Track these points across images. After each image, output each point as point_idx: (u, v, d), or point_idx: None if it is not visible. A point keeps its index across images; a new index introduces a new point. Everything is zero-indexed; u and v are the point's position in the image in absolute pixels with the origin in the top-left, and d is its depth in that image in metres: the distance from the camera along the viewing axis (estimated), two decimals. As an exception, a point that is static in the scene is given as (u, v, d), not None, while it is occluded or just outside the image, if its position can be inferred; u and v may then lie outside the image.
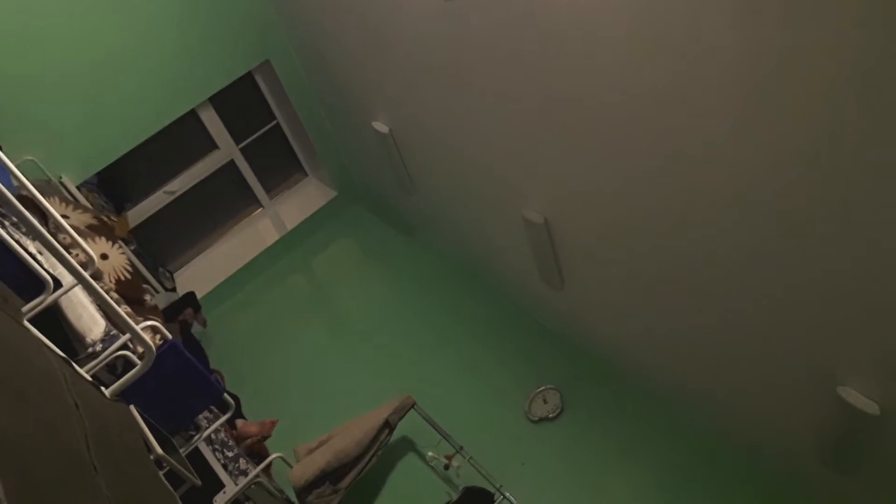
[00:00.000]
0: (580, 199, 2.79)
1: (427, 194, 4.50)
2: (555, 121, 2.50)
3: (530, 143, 2.86)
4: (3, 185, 1.73)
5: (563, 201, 2.95)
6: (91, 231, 3.54)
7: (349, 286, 5.31)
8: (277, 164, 5.84)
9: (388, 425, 3.60)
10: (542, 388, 3.89)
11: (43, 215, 2.99)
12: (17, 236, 2.32)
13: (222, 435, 3.05)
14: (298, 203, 5.83)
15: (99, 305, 2.45)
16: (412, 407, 3.73)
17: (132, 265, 3.77)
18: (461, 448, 3.73)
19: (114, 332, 2.42)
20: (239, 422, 3.57)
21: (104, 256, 3.44)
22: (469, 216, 4.14)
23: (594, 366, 4.01)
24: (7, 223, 2.40)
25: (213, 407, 3.11)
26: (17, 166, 2.33)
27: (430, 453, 3.74)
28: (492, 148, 3.24)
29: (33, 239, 2.32)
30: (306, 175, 6.04)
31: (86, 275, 1.66)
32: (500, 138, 3.07)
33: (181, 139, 5.13)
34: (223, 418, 2.79)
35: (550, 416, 3.81)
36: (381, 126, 4.20)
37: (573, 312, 3.79)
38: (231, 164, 5.42)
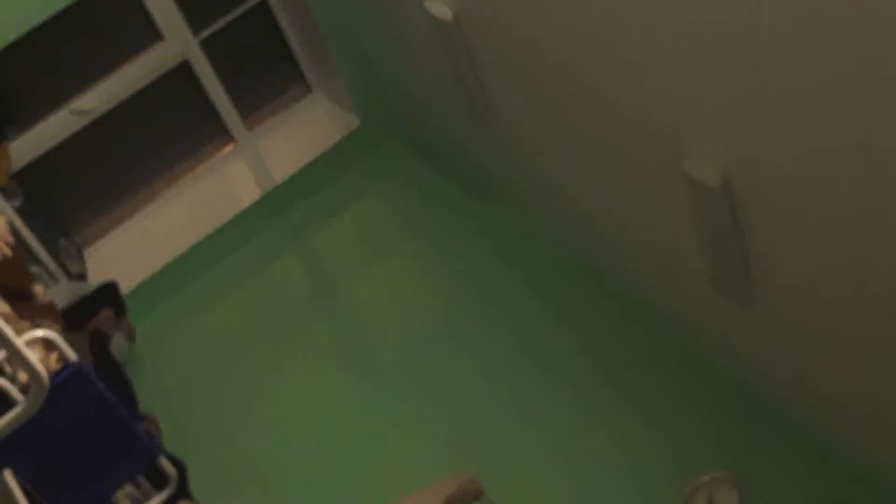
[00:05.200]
0: (800, 146, 2.61)
1: (512, 127, 4.26)
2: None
3: (708, 41, 2.65)
4: None
5: (766, 149, 2.77)
6: None
7: (374, 281, 4.91)
8: (262, 69, 5.52)
9: (436, 527, 3.69)
10: (709, 476, 3.67)
11: None
12: None
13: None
14: (295, 137, 5.57)
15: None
16: (476, 498, 3.54)
17: (15, 234, 3.74)
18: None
19: None
20: None
21: None
22: (583, 167, 3.90)
23: (801, 443, 3.72)
24: None
25: (140, 478, 3.08)
26: None
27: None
28: (630, 47, 3.03)
29: None
30: (310, 91, 5.75)
31: None
32: (647, 30, 2.88)
33: (103, 25, 4.84)
34: (157, 498, 2.75)
35: (721, 527, 3.62)
36: (439, 7, 3.98)
37: (770, 349, 3.58)
38: (184, 69, 5.13)
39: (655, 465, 3.89)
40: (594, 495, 3.90)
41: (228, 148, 5.62)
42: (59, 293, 4.56)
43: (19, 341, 1.79)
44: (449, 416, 4.27)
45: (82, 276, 5.09)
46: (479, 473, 3.55)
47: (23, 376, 2.36)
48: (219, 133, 5.57)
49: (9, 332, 1.78)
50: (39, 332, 2.44)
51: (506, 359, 4.39)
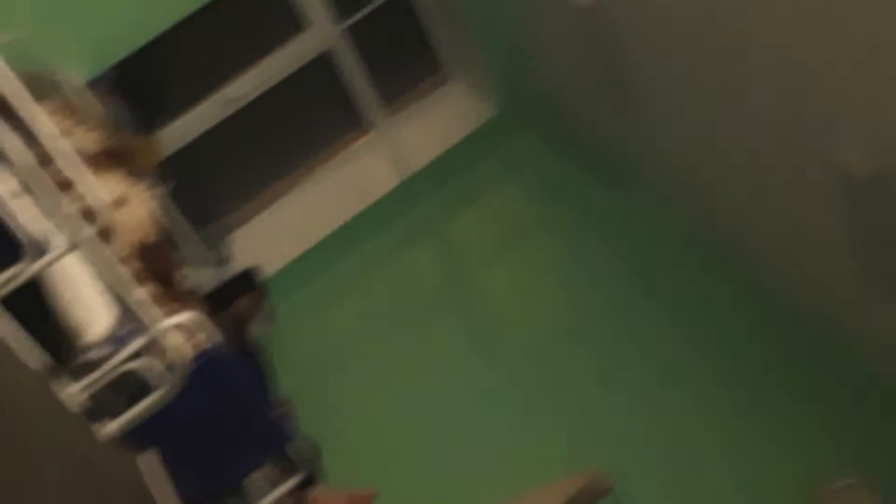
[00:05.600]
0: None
1: (655, 117, 4.36)
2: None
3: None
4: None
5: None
6: (102, 160, 3.57)
7: (507, 273, 5.09)
8: (400, 58, 5.59)
9: (565, 521, 3.55)
10: (847, 480, 3.80)
11: (28, 133, 2.79)
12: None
13: (286, 510, 3.04)
14: (432, 125, 5.65)
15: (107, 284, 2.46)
16: (606, 494, 3.76)
17: (163, 220, 3.79)
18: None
19: (128, 327, 2.48)
20: (317, 490, 3.74)
21: (120, 203, 3.46)
22: (730, 159, 3.98)
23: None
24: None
25: (276, 462, 3.16)
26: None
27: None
28: (787, 25, 3.10)
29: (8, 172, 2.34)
30: (447, 80, 5.79)
31: (88, 234, 1.84)
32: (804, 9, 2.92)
33: (248, 17, 5.01)
34: (289, 483, 2.93)
35: (859, 534, 3.70)
36: (581, -7, 3.90)
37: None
38: (326, 59, 5.28)
39: (786, 465, 4.01)
40: (722, 496, 4.04)
41: (367, 136, 5.68)
42: (203, 277, 4.75)
43: (161, 325, 1.87)
44: (577, 412, 4.38)
45: (226, 261, 5.21)
46: (613, 468, 3.90)
47: (165, 360, 2.39)
48: (358, 122, 5.65)
49: (151, 316, 1.85)
50: (181, 317, 2.45)
51: (637, 357, 4.49)
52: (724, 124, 3.83)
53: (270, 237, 5.48)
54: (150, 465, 2.23)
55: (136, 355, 2.33)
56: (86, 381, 2.18)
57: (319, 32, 5.27)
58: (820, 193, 3.49)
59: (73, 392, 2.11)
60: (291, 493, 3.16)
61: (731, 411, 4.22)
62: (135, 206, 3.51)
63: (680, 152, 4.40)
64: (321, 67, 5.36)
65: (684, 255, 4.76)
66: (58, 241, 2.06)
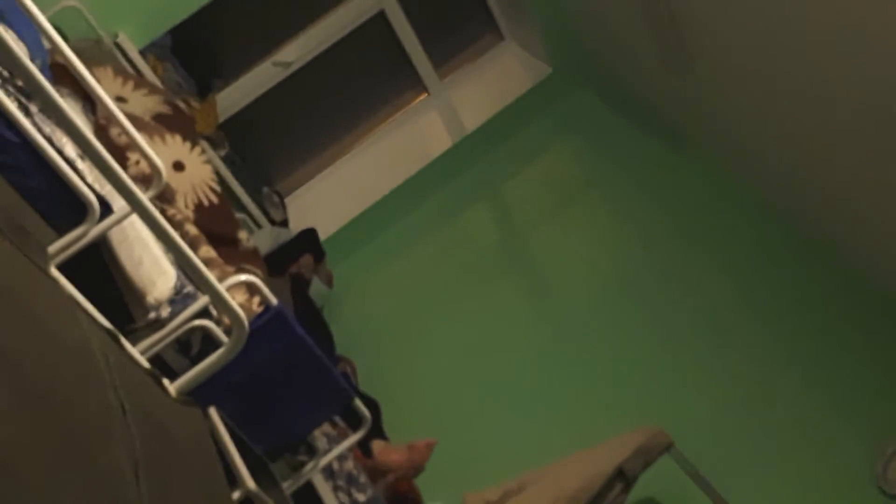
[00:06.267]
0: None
1: (711, 74, 4.20)
2: None
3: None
4: (28, 44, 1.77)
5: None
6: (159, 124, 3.62)
7: (562, 232, 5.00)
8: (454, 19, 5.67)
9: (623, 476, 3.57)
10: None
11: (88, 98, 2.99)
12: (47, 131, 2.30)
13: (349, 464, 3.14)
14: (486, 86, 5.70)
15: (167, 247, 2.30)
16: (667, 450, 3.62)
17: (221, 182, 3.76)
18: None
19: (189, 287, 2.44)
20: (376, 444, 3.65)
21: (178, 166, 3.48)
22: (790, 115, 3.82)
23: None
24: (33, 108, 2.40)
25: (336, 418, 3.19)
26: (51, 17, 2.35)
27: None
28: None
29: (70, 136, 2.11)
30: (501, 39, 5.88)
31: (146, 197, 1.67)
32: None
33: None
34: (353, 438, 2.84)
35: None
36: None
37: None
38: (379, 21, 5.39)
39: (848, 423, 3.93)
40: (783, 445, 3.97)
41: (421, 98, 5.74)
42: (262, 239, 4.77)
43: (222, 286, 1.77)
44: (633, 371, 4.32)
45: (284, 224, 5.28)
46: (672, 426, 3.72)
47: (227, 319, 2.30)
48: (411, 83, 5.74)
49: (212, 277, 1.74)
50: (242, 277, 2.36)
51: (695, 317, 4.39)
52: (783, 83, 3.73)
53: (326, 200, 5.59)
54: (217, 421, 2.12)
55: (200, 314, 2.27)
56: (152, 338, 2.12)
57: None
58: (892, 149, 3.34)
59: (141, 350, 2.04)
60: (356, 446, 3.19)
61: (792, 369, 4.15)
62: (193, 170, 3.53)
63: (734, 112, 4.30)
64: (375, 29, 5.47)
65: (740, 214, 4.68)
66: (120, 204, 1.99)
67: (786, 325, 4.26)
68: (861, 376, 4.02)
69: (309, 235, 4.87)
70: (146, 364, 1.75)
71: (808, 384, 4.08)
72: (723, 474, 3.70)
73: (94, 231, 1.96)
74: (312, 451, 2.80)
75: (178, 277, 2.42)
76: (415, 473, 3.63)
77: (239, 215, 4.57)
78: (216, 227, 3.45)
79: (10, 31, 2.41)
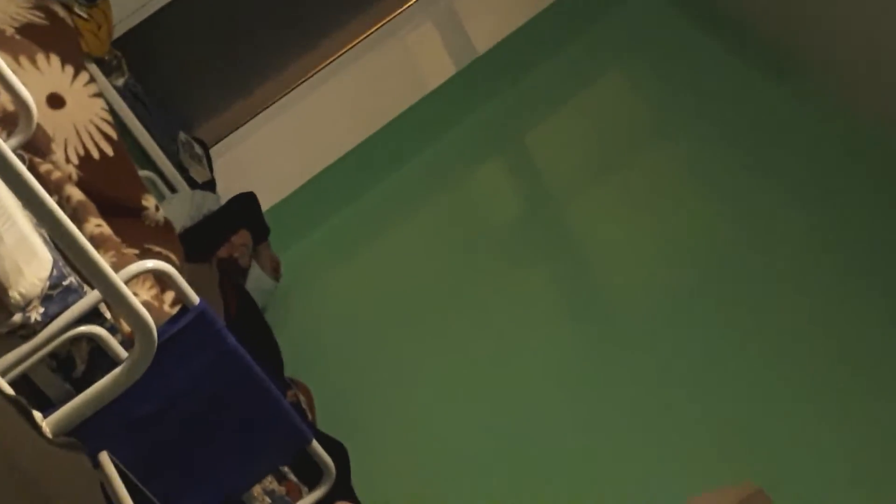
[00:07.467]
0: None
1: None
2: None
3: None
4: None
5: None
6: (28, 40, 3.32)
7: (609, 203, 4.60)
8: None
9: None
10: None
11: None
12: None
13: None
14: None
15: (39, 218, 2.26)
16: None
17: (119, 125, 3.58)
18: None
19: (71, 278, 2.24)
20: None
21: (56, 101, 3.22)
22: None
23: None
24: None
25: (285, 468, 2.99)
26: None
27: None
28: None
29: None
30: None
31: (8, 147, 1.62)
32: None
33: None
34: (309, 498, 2.68)
35: None
36: None
37: None
38: None
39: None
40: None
41: (409, 4, 5.14)
42: (179, 208, 4.35)
43: (119, 277, 1.78)
44: (709, 397, 3.80)
45: (209, 186, 4.75)
46: (769, 481, 3.00)
47: (126, 326, 2.25)
48: None
49: (104, 264, 1.74)
50: (148, 264, 2.29)
51: (789, 324, 3.82)
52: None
53: (269, 153, 5.12)
54: (112, 472, 1.98)
55: (87, 318, 2.19)
56: (17, 352, 1.98)
57: None
58: None
59: (0, 369, 1.98)
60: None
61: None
62: (77, 107, 3.27)
63: (844, 29, 4.15)
64: None
65: (856, 160, 4.17)
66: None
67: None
68: None
69: (246, 204, 4.38)
70: (7, 388, 1.75)
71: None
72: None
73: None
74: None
75: (55, 264, 2.27)
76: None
77: (143, 173, 4.12)
78: (110, 189, 3.23)
79: None
